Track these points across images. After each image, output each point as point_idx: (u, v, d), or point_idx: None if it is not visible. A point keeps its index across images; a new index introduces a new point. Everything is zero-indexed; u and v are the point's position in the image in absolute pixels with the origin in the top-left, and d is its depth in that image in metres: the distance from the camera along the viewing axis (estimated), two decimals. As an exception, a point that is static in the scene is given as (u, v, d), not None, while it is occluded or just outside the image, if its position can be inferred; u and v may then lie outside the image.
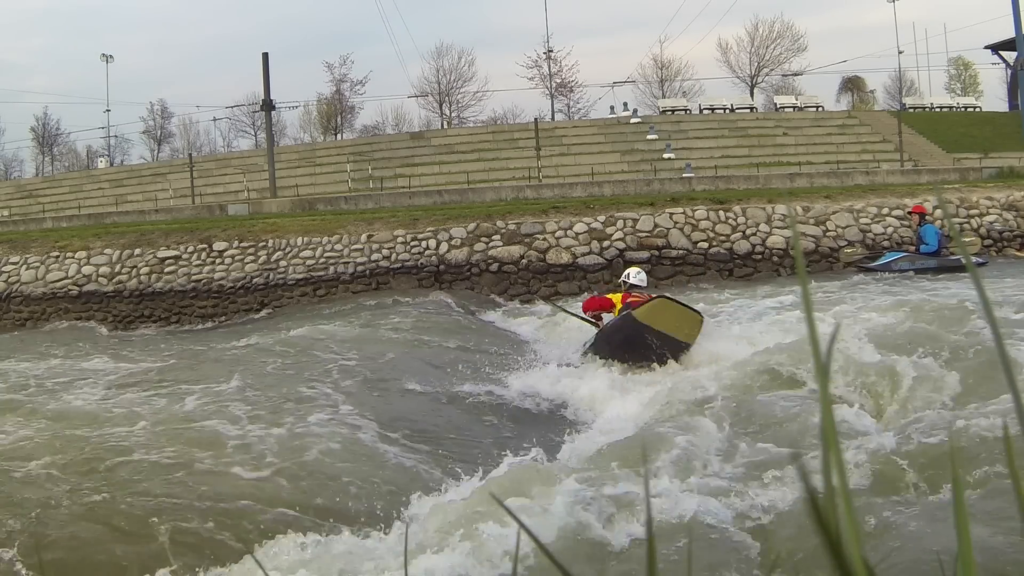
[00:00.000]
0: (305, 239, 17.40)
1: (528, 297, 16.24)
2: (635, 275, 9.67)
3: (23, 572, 4.25)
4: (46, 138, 58.79)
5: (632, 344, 8.29)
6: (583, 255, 16.77)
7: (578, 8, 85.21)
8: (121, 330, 16.68)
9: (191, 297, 17.07)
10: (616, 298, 9.26)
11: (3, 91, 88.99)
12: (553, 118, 51.69)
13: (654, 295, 8.92)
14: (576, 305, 11.06)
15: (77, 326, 16.69)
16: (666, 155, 38.69)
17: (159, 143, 60.24)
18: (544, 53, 53.17)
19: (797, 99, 49.12)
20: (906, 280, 14.17)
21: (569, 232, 17.06)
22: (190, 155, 44.24)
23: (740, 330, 9.85)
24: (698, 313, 8.46)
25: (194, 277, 17.20)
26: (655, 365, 8.20)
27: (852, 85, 56.01)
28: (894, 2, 53.99)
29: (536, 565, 3.58)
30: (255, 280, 17.06)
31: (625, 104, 49.61)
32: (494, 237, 17.02)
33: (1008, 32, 39.90)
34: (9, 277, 17.87)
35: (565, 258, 16.70)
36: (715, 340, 8.62)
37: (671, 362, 8.25)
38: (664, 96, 52.58)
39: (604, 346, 8.72)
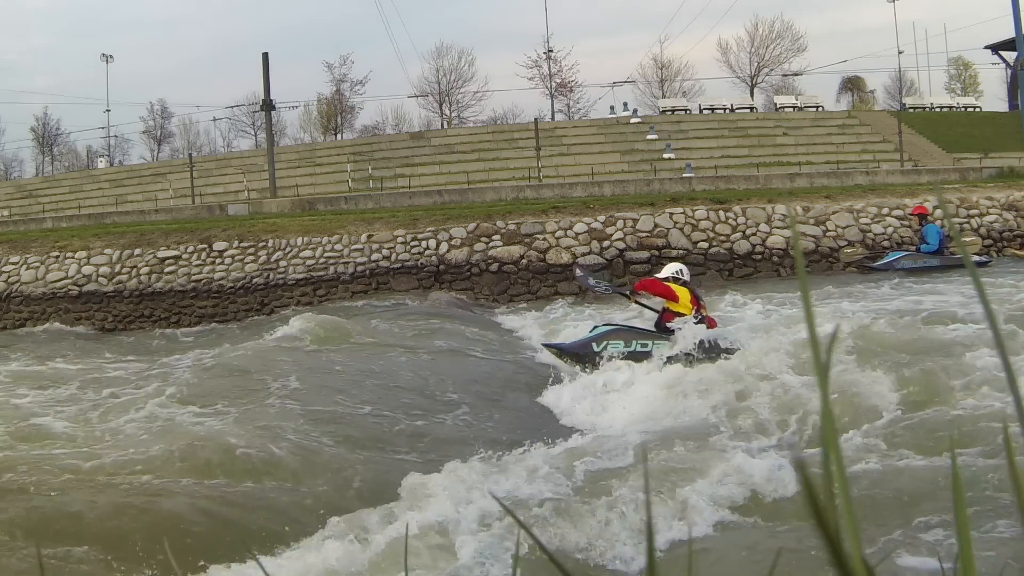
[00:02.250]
0: (305, 239, 17.39)
1: (529, 298, 16.14)
2: (687, 272, 9.00)
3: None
4: (46, 138, 58.77)
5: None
6: (583, 255, 16.75)
7: (578, 8, 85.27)
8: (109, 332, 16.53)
9: (191, 297, 17.07)
10: (682, 293, 8.53)
11: (3, 91, 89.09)
12: (553, 118, 51.66)
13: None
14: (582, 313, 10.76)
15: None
16: (666, 155, 38.68)
17: (159, 143, 60.28)
18: (544, 53, 53.21)
19: (797, 99, 49.09)
20: (907, 279, 14.18)
21: (569, 232, 17.05)
22: (190, 155, 44.19)
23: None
24: None
25: (194, 277, 17.19)
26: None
27: (852, 85, 56.02)
28: (894, 2, 54.00)
29: (536, 565, 3.58)
30: (255, 280, 17.06)
31: (625, 104, 49.65)
32: (494, 237, 17.01)
33: (1008, 32, 39.89)
34: (9, 277, 17.86)
35: (565, 258, 16.69)
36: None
37: (676, 362, 8.22)
38: (664, 96, 52.55)
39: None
